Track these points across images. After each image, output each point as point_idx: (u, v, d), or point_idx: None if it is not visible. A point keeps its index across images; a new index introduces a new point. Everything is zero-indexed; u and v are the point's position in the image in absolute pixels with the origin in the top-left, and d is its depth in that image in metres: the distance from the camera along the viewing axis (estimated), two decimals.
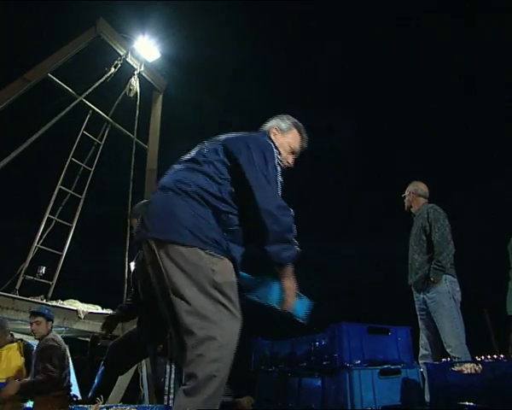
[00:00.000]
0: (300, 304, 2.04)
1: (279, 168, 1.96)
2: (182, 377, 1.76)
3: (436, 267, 3.55)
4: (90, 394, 3.17)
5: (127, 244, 8.17)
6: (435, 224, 3.71)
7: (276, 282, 1.96)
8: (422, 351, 3.59)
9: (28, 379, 3.97)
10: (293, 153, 2.27)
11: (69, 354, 4.44)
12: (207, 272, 1.72)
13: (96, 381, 3.22)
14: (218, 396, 1.62)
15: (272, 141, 2.12)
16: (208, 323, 1.67)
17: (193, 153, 2.04)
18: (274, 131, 2.28)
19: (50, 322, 4.32)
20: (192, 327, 1.66)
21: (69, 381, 4.18)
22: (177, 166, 2.00)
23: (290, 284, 1.92)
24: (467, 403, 2.06)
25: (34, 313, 4.37)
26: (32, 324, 4.32)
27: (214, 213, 1.82)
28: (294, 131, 2.30)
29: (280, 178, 1.96)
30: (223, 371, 1.63)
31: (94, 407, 1.60)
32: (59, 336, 4.31)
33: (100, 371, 3.25)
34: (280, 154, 2.13)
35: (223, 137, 2.05)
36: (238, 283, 1.88)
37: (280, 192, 1.92)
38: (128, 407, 1.65)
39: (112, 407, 1.64)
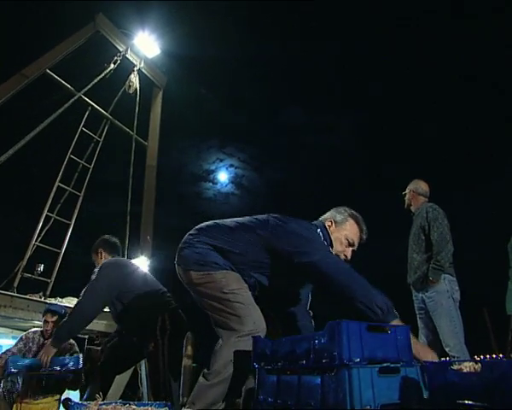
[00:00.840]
0: None
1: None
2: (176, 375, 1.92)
3: (435, 267, 3.55)
4: (85, 395, 3.16)
5: (126, 242, 8.16)
6: (434, 223, 3.71)
7: None
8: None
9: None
10: (350, 245, 2.24)
11: None
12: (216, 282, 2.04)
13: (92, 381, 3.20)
14: None
15: (327, 231, 2.20)
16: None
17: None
18: (329, 223, 2.28)
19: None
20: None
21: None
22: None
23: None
24: (466, 402, 2.05)
25: (51, 312, 4.26)
26: (47, 322, 4.20)
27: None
28: (351, 221, 2.27)
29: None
30: None
31: (93, 403, 1.59)
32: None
33: (96, 371, 3.22)
34: (332, 247, 2.18)
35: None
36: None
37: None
38: (127, 404, 1.64)
39: (111, 403, 1.63)
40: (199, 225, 2.28)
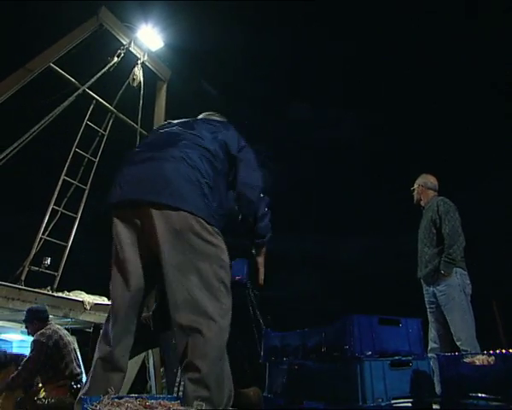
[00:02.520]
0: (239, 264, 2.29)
1: None
2: None
3: (446, 260, 3.52)
4: None
5: None
6: (445, 216, 3.68)
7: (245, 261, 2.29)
8: (432, 344, 3.58)
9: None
10: None
11: (72, 343, 4.46)
12: (217, 250, 1.78)
13: None
14: None
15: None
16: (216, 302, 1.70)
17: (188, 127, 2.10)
18: None
19: (34, 322, 4.39)
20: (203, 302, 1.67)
21: (72, 370, 4.21)
22: (170, 134, 2.05)
23: (263, 264, 2.15)
24: (479, 395, 2.04)
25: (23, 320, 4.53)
26: None
27: (215, 197, 1.89)
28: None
29: None
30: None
31: (106, 397, 1.59)
32: (53, 328, 4.35)
33: None
34: None
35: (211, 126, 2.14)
36: None
37: None
38: (139, 398, 1.64)
39: (123, 397, 1.63)
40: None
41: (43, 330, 4.24)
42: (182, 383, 2.25)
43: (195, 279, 1.70)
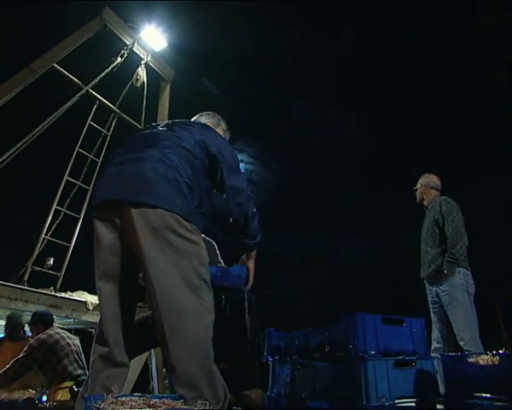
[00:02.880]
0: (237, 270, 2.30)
1: None
2: None
3: (449, 260, 3.52)
4: None
5: None
6: (448, 216, 3.67)
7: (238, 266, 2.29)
8: (435, 344, 3.58)
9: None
10: None
11: (76, 345, 4.46)
12: (195, 246, 1.78)
13: None
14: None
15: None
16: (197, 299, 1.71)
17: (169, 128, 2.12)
18: (220, 129, 2.48)
19: (39, 325, 4.42)
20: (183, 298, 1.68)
21: (72, 372, 4.21)
22: (151, 136, 2.06)
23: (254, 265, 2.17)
24: (483, 395, 2.03)
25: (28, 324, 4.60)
26: None
27: (194, 197, 1.89)
28: (222, 123, 2.53)
29: None
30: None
31: (110, 395, 1.59)
32: (52, 331, 4.35)
33: None
34: None
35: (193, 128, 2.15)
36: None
37: None
38: (143, 397, 1.64)
39: (128, 396, 1.63)
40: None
41: (40, 334, 4.28)
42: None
43: (175, 277, 1.70)
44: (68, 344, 4.33)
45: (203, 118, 2.50)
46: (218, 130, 2.41)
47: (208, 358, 1.68)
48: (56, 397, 3.96)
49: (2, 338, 4.69)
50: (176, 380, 1.65)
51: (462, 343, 3.34)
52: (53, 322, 4.54)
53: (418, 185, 4.10)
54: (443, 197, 3.87)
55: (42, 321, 4.44)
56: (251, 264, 2.16)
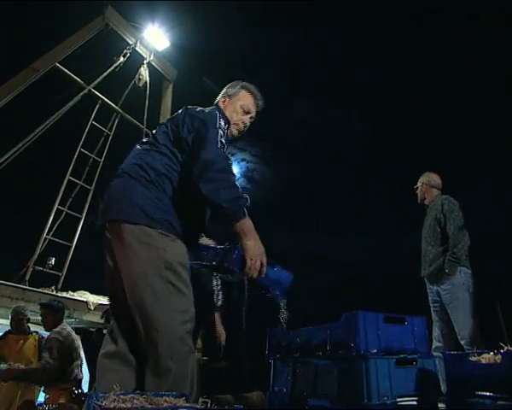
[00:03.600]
0: (275, 274, 1.91)
1: (221, 132, 1.91)
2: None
3: (451, 259, 3.50)
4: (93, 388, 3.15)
5: None
6: (450, 215, 3.66)
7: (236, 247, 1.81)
8: (436, 343, 3.57)
9: (22, 366, 3.97)
10: (247, 113, 2.24)
11: (80, 347, 4.44)
12: (159, 251, 1.74)
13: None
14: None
15: (220, 110, 2.15)
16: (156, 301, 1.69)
17: (149, 135, 2.10)
18: (222, 99, 2.29)
19: (59, 314, 4.35)
20: (145, 306, 1.69)
21: (77, 375, 4.17)
22: (133, 150, 2.04)
23: (252, 243, 1.76)
24: (485, 393, 2.03)
25: (41, 305, 4.46)
26: (41, 315, 4.43)
27: (166, 194, 1.84)
28: (243, 92, 2.28)
29: (223, 140, 1.90)
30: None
31: (112, 393, 1.59)
32: (68, 329, 4.30)
33: None
34: (232, 118, 2.17)
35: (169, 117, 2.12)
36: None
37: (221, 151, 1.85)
38: (144, 394, 1.64)
39: (128, 394, 1.63)
40: None
41: (58, 328, 4.21)
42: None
43: (142, 286, 1.72)
44: (78, 346, 4.27)
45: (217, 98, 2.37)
46: (235, 98, 2.25)
47: (179, 355, 1.69)
48: (59, 400, 3.92)
49: (7, 331, 4.65)
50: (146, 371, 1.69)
51: (462, 342, 3.33)
52: (63, 318, 4.47)
53: (419, 184, 4.08)
54: (444, 196, 3.85)
55: (63, 311, 4.41)
56: (246, 241, 1.75)
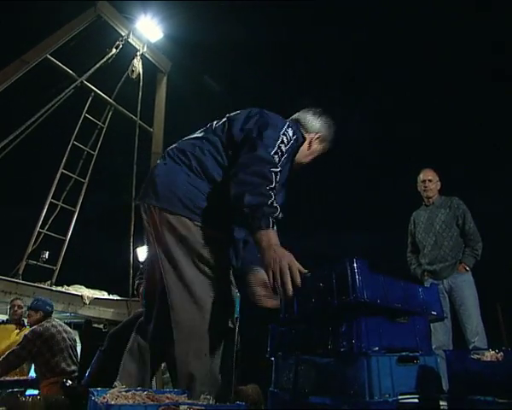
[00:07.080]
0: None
1: (284, 138, 1.75)
2: None
3: (473, 254, 3.67)
4: (83, 381, 3.10)
5: (132, 229, 8.12)
6: (467, 215, 3.84)
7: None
8: (436, 342, 3.59)
9: None
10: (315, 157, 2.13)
11: (72, 339, 4.41)
12: (195, 245, 1.70)
13: (91, 367, 3.13)
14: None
15: (298, 127, 2.00)
16: (190, 294, 1.67)
17: (204, 128, 1.98)
18: (316, 136, 2.10)
19: (39, 312, 4.38)
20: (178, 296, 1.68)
21: (64, 368, 4.13)
22: (185, 139, 1.95)
23: (269, 258, 1.47)
24: (487, 391, 2.02)
25: (28, 308, 4.57)
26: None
27: (208, 186, 1.75)
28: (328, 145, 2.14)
29: (283, 147, 1.72)
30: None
31: (114, 390, 1.58)
32: (53, 323, 4.31)
33: (96, 357, 3.14)
34: (306, 157, 2.08)
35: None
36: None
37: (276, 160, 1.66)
38: (146, 391, 1.63)
39: (130, 390, 1.62)
40: None
41: (36, 326, 4.22)
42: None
43: (173, 277, 1.71)
44: (64, 339, 4.24)
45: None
46: (323, 146, 2.10)
47: (206, 355, 1.67)
48: (48, 392, 3.91)
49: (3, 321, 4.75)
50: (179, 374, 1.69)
51: (476, 339, 3.39)
52: (51, 313, 4.48)
53: (434, 179, 4.05)
54: (455, 197, 4.00)
55: (44, 309, 4.40)
56: (265, 254, 1.47)
